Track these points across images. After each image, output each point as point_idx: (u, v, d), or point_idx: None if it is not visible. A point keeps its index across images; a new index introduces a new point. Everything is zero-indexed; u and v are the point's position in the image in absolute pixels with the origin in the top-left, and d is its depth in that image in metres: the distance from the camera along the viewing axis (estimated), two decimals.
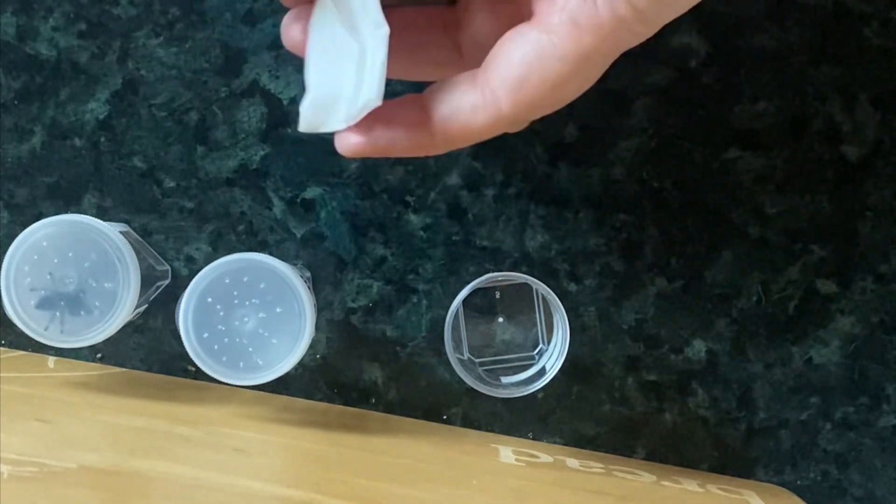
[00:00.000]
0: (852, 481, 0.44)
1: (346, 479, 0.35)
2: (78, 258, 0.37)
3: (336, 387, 0.43)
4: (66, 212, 0.39)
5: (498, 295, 0.42)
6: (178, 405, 0.40)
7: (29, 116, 0.42)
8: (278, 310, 0.37)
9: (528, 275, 0.40)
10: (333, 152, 0.43)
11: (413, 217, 0.43)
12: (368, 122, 0.29)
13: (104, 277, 0.37)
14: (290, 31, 0.30)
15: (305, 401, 0.43)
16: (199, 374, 0.39)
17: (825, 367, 0.43)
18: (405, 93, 0.30)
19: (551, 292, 0.39)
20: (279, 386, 0.43)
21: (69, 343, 0.37)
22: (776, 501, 0.41)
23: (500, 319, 0.42)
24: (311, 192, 0.42)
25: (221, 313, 0.37)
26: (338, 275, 0.43)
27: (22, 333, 0.37)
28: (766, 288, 0.43)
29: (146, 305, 0.42)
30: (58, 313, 0.37)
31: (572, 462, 0.41)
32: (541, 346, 0.42)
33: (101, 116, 0.42)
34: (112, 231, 0.37)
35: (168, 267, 0.43)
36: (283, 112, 0.42)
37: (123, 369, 0.43)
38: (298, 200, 0.43)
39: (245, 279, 0.37)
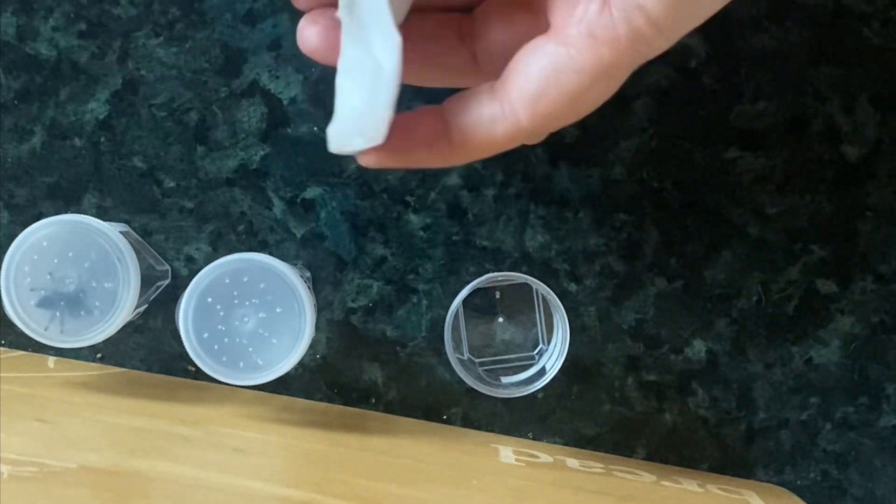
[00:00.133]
0: (852, 481, 0.44)
1: (346, 479, 0.35)
2: (78, 258, 0.37)
3: (336, 387, 0.43)
4: (66, 212, 0.39)
5: (498, 295, 0.42)
6: (178, 405, 0.40)
7: (29, 116, 0.42)
8: (278, 310, 0.37)
9: (528, 275, 0.40)
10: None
11: (413, 217, 0.43)
12: (388, 133, 0.29)
13: (104, 277, 0.37)
14: (305, 34, 0.29)
15: (305, 401, 0.43)
16: (199, 374, 0.39)
17: (825, 367, 0.43)
18: (420, 103, 0.30)
19: (551, 292, 0.39)
20: (279, 386, 0.43)
21: (69, 343, 0.37)
22: (776, 501, 0.41)
23: (500, 319, 0.42)
24: (311, 192, 0.42)
25: (221, 313, 0.37)
26: (338, 275, 0.43)
27: (22, 333, 0.37)
28: (766, 288, 0.43)
29: (146, 305, 0.42)
30: (58, 313, 0.37)
31: (572, 462, 0.41)
32: (541, 346, 0.42)
33: (101, 116, 0.42)
34: (112, 231, 0.37)
35: (168, 267, 0.43)
36: (283, 112, 0.42)
37: (123, 369, 0.43)
38: (298, 200, 0.43)
39: (245, 279, 0.37)
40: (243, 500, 0.32)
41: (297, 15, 0.30)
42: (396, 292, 0.43)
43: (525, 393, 0.39)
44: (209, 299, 0.37)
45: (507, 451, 0.41)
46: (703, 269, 0.43)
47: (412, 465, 0.38)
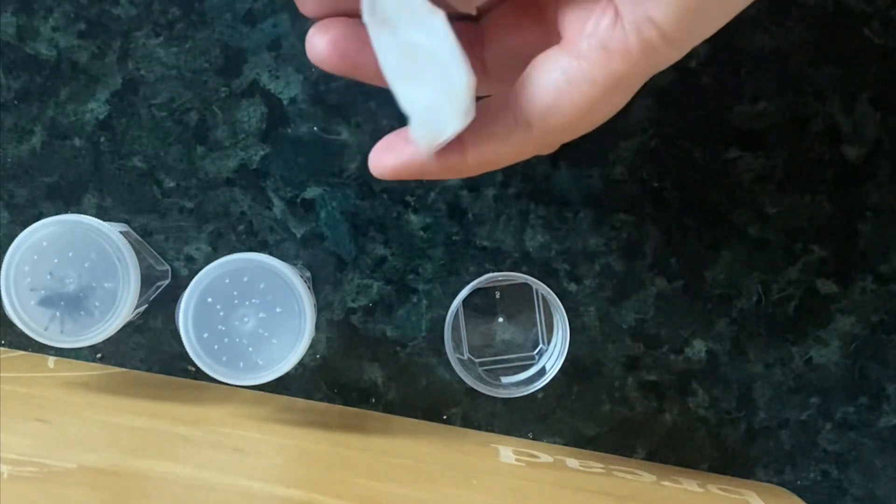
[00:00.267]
0: (852, 481, 0.44)
1: (346, 479, 0.35)
2: (78, 258, 0.37)
3: (336, 387, 0.43)
4: (66, 212, 0.39)
5: (498, 295, 0.42)
6: (178, 405, 0.40)
7: (29, 116, 0.42)
8: (278, 310, 0.37)
9: (528, 275, 0.40)
10: (333, 152, 0.43)
11: (413, 217, 0.43)
12: (402, 145, 0.29)
13: (104, 277, 0.37)
14: (314, 42, 0.29)
15: (305, 401, 0.43)
16: (199, 374, 0.39)
17: (825, 367, 0.43)
18: None
19: (551, 292, 0.39)
20: (279, 386, 0.43)
21: (69, 343, 0.37)
22: (776, 501, 0.41)
23: (500, 319, 0.42)
24: (311, 192, 0.42)
25: (221, 313, 0.37)
26: (338, 275, 0.43)
27: (22, 333, 0.37)
28: (766, 288, 0.43)
29: (146, 305, 0.42)
30: (58, 313, 0.37)
31: (572, 462, 0.41)
32: (541, 346, 0.42)
33: (101, 116, 0.42)
34: (112, 231, 0.37)
35: (168, 267, 0.43)
36: (283, 112, 0.42)
37: (123, 369, 0.43)
38: (298, 200, 0.43)
39: (245, 279, 0.37)
40: (243, 500, 0.32)
41: (297, 15, 0.30)
42: (396, 292, 0.43)
43: (525, 393, 0.39)
44: (209, 299, 0.37)
45: (507, 451, 0.41)
46: (703, 269, 0.43)
47: (412, 465, 0.38)
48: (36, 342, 0.37)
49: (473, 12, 0.29)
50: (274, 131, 0.42)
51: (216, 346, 0.37)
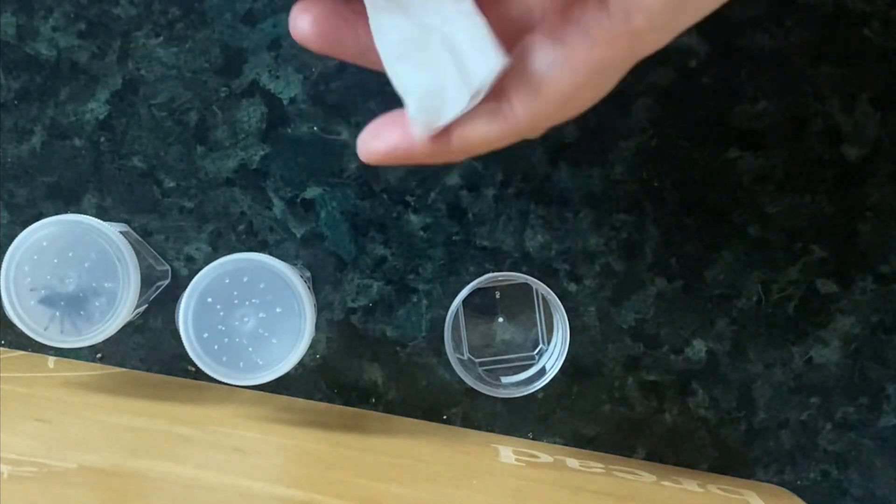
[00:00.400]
0: (852, 481, 0.44)
1: (346, 479, 0.35)
2: (78, 258, 0.37)
3: (336, 387, 0.43)
4: (66, 212, 0.39)
5: (498, 295, 0.42)
6: (178, 405, 0.40)
7: (29, 116, 0.42)
8: (278, 310, 0.37)
9: (528, 275, 0.40)
10: (333, 152, 0.43)
11: (413, 217, 0.43)
12: (388, 130, 0.29)
13: (104, 277, 0.37)
14: (297, 22, 0.29)
15: (305, 401, 0.43)
16: (199, 374, 0.39)
17: (825, 367, 0.43)
18: None
19: (551, 292, 0.39)
20: (279, 386, 0.43)
21: (69, 343, 0.37)
22: (776, 501, 0.41)
23: (500, 319, 0.42)
24: (311, 192, 0.42)
25: (221, 313, 0.37)
26: (338, 275, 0.43)
27: (22, 333, 0.37)
28: (766, 288, 0.43)
29: (146, 305, 0.42)
30: (58, 313, 0.37)
31: (572, 462, 0.41)
32: (541, 346, 0.42)
33: (101, 116, 0.42)
34: (112, 231, 0.37)
35: (168, 267, 0.43)
36: (283, 112, 0.42)
37: (123, 369, 0.43)
38: (298, 200, 0.43)
39: (245, 279, 0.37)
40: (243, 500, 0.32)
41: None
42: (396, 292, 0.43)
43: (525, 393, 0.39)
44: (209, 299, 0.37)
45: (507, 451, 0.41)
46: (703, 269, 0.43)
47: (412, 465, 0.38)
48: (36, 342, 0.37)
49: None
50: (274, 131, 0.42)
51: (216, 346, 0.37)
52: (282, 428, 0.40)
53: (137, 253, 0.38)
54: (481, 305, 0.42)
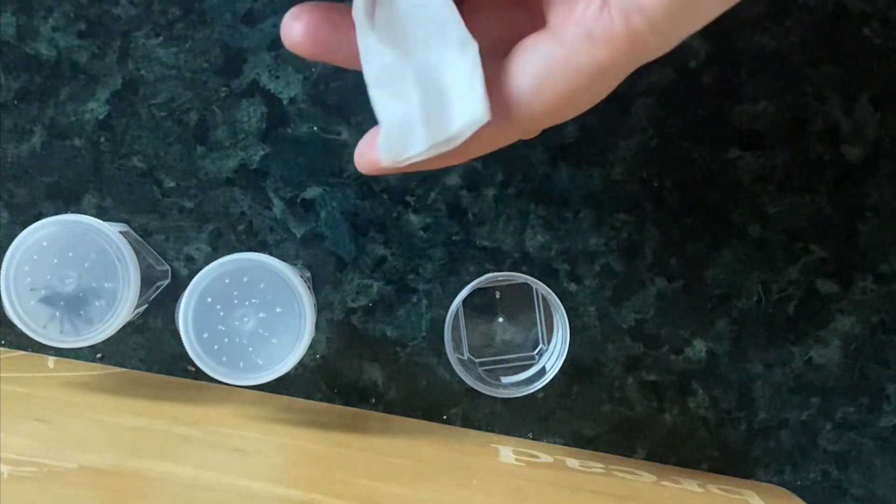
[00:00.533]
0: (852, 481, 0.44)
1: (346, 479, 0.35)
2: (78, 258, 0.37)
3: (336, 387, 0.43)
4: (66, 212, 0.39)
5: (498, 295, 0.42)
6: (178, 405, 0.40)
7: (29, 116, 0.42)
8: (278, 310, 0.37)
9: (528, 275, 0.40)
10: (333, 152, 0.43)
11: (413, 217, 0.43)
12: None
13: (104, 277, 0.37)
14: (289, 30, 0.29)
15: (305, 401, 0.43)
16: (199, 374, 0.39)
17: (825, 367, 0.43)
18: None
19: (551, 292, 0.39)
20: (279, 386, 0.43)
21: (69, 343, 0.37)
22: (776, 501, 0.41)
23: (500, 319, 0.42)
24: (311, 192, 0.42)
25: (221, 313, 0.37)
26: (338, 275, 0.43)
27: (22, 333, 0.37)
28: (766, 288, 0.43)
29: (146, 305, 0.42)
30: (58, 313, 0.37)
31: (572, 462, 0.41)
32: (541, 346, 0.42)
33: (101, 116, 0.42)
34: (112, 231, 0.37)
35: (168, 267, 0.43)
36: (283, 112, 0.42)
37: (123, 369, 0.43)
38: (298, 200, 0.43)
39: (245, 279, 0.37)
40: (243, 500, 0.32)
41: None
42: (396, 292, 0.43)
43: (525, 393, 0.39)
44: (209, 299, 0.37)
45: (507, 451, 0.41)
46: (703, 269, 0.43)
47: (412, 465, 0.38)
48: (36, 342, 0.37)
49: None
50: (274, 131, 0.42)
51: (216, 346, 0.37)
52: (282, 428, 0.40)
53: (137, 253, 0.38)
54: (481, 305, 0.42)
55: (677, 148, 0.42)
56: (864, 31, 0.41)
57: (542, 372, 0.40)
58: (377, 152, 0.28)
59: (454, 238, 0.43)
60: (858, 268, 0.42)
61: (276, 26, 0.41)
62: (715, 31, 0.41)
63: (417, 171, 0.29)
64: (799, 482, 0.43)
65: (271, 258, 0.37)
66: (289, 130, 0.42)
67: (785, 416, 0.43)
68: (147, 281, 0.39)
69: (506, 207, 0.42)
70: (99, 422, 0.38)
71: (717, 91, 0.42)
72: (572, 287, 0.43)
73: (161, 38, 0.42)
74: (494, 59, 0.28)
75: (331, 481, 0.35)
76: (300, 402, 0.43)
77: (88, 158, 0.42)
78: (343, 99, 0.42)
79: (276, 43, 0.41)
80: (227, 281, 0.37)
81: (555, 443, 0.43)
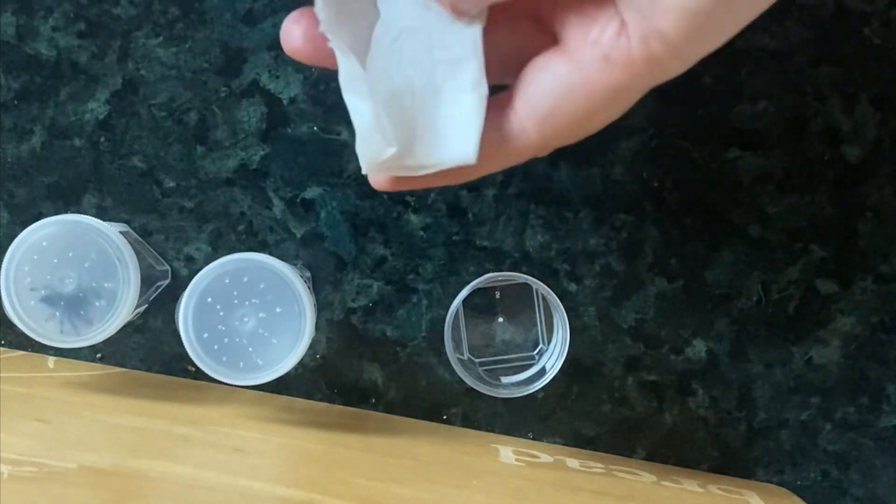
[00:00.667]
0: (852, 481, 0.44)
1: (346, 479, 0.35)
2: (78, 258, 0.37)
3: (336, 387, 0.43)
4: (66, 212, 0.39)
5: (498, 295, 0.42)
6: (178, 405, 0.40)
7: (29, 116, 0.42)
8: (278, 310, 0.37)
9: (528, 275, 0.40)
10: (333, 152, 0.43)
11: (413, 217, 0.43)
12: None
13: (104, 277, 0.37)
14: (290, 35, 0.29)
15: (305, 401, 0.43)
16: (199, 374, 0.39)
17: (825, 367, 0.43)
18: None
19: (551, 292, 0.39)
20: (279, 386, 0.43)
21: (69, 343, 0.37)
22: (776, 501, 0.41)
23: (500, 319, 0.42)
24: (311, 192, 0.42)
25: (221, 313, 0.37)
26: (338, 275, 0.43)
27: (22, 333, 0.37)
28: (766, 288, 0.43)
29: (146, 305, 0.42)
30: (58, 313, 0.37)
31: (572, 462, 0.41)
32: (541, 346, 0.42)
33: (101, 116, 0.42)
34: (112, 231, 0.37)
35: (168, 267, 0.43)
36: (283, 112, 0.42)
37: (123, 369, 0.43)
38: (298, 200, 0.43)
39: (245, 279, 0.37)
40: (243, 500, 0.32)
41: None
42: (396, 292, 0.43)
43: (525, 393, 0.39)
44: (209, 299, 0.37)
45: (507, 451, 0.41)
46: (703, 269, 0.43)
47: (412, 465, 0.38)
48: (36, 342, 0.37)
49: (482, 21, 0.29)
50: (274, 131, 0.42)
51: (216, 346, 0.37)
52: (282, 428, 0.40)
53: (137, 253, 0.38)
54: (481, 305, 0.42)
55: (677, 148, 0.42)
56: (864, 31, 0.41)
57: (542, 372, 0.40)
58: (360, 160, 0.28)
59: (454, 238, 0.43)
60: (858, 268, 0.42)
61: (276, 26, 0.41)
62: None
63: (429, 187, 0.29)
64: (799, 482, 0.43)
65: (271, 258, 0.37)
66: (289, 130, 0.42)
67: (785, 416, 0.43)
68: (147, 281, 0.39)
69: (506, 207, 0.42)
70: (99, 422, 0.38)
71: (717, 91, 0.42)
72: (572, 287, 0.43)
73: (161, 38, 0.42)
74: (507, 71, 0.28)
75: (331, 481, 0.35)
76: (300, 402, 0.43)
77: (88, 158, 0.42)
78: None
79: (276, 43, 0.41)
80: (227, 281, 0.37)
81: (555, 443, 0.43)
